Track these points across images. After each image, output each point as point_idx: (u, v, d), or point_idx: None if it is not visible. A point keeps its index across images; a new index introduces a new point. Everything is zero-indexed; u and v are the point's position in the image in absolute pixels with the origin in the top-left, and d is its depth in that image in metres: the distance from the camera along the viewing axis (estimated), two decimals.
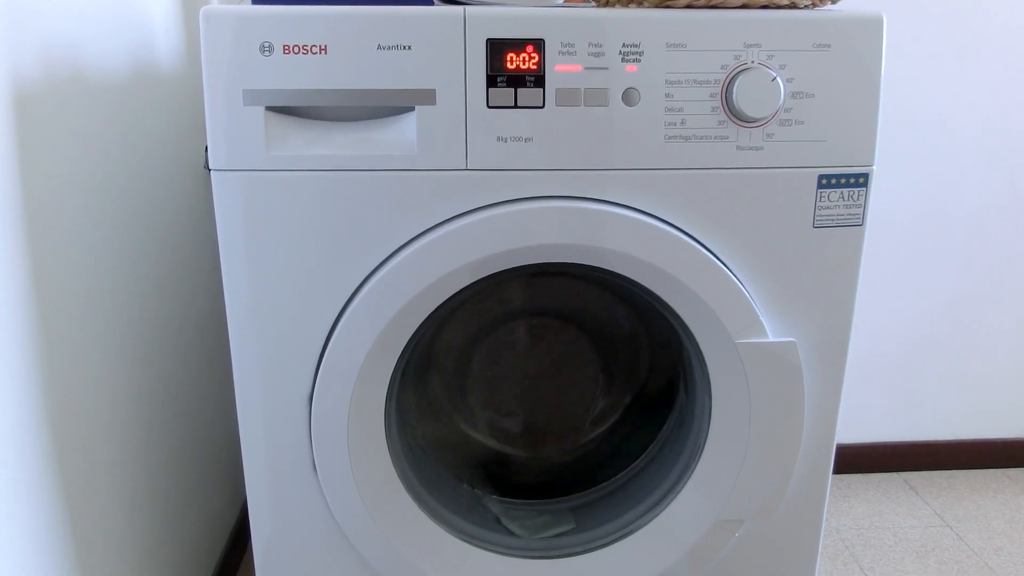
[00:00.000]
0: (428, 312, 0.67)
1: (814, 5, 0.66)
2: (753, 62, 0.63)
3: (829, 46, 0.64)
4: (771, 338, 0.69)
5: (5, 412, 0.56)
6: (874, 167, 0.67)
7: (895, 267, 1.30)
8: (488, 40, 0.61)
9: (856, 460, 1.38)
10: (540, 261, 0.66)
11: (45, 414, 0.61)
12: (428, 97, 0.62)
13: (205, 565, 0.99)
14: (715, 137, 0.65)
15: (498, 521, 0.83)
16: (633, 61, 0.63)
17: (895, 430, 1.39)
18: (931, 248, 1.30)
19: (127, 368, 0.76)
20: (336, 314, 0.66)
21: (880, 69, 0.65)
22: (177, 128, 0.92)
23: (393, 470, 0.72)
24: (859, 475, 1.38)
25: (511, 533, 0.81)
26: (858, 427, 1.38)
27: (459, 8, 0.61)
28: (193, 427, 0.96)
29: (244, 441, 0.69)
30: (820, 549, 0.79)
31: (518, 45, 0.62)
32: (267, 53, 0.60)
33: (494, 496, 0.87)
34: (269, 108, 0.62)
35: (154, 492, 0.82)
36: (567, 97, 0.63)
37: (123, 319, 0.75)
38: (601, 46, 0.62)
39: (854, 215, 0.68)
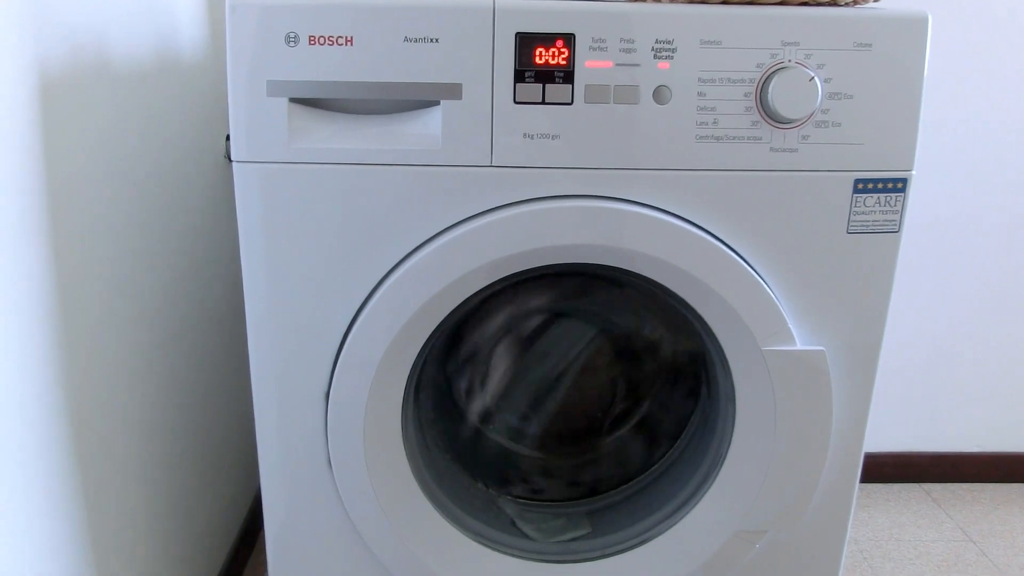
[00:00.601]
0: (448, 310, 0.66)
1: (855, 3, 0.64)
2: (790, 61, 0.61)
3: (870, 46, 0.61)
4: (799, 346, 0.67)
5: (24, 401, 0.56)
6: (913, 172, 0.65)
7: (921, 273, 1.27)
8: (517, 34, 0.60)
9: (877, 470, 1.36)
10: (564, 261, 0.65)
11: (63, 403, 0.61)
12: (454, 91, 0.61)
13: (216, 555, 0.99)
14: (748, 138, 0.63)
15: (512, 523, 0.82)
16: (665, 58, 0.61)
17: (917, 440, 1.36)
18: (959, 255, 1.27)
19: (144, 358, 0.76)
20: (355, 309, 0.65)
21: (923, 70, 0.62)
22: (199, 118, 0.92)
23: (408, 468, 0.71)
24: (879, 485, 1.36)
25: (525, 536, 0.80)
26: (879, 436, 1.36)
27: (488, 0, 0.60)
28: (208, 418, 0.96)
29: (260, 434, 0.69)
30: (843, 563, 0.77)
31: (548, 39, 0.60)
32: (292, 44, 0.59)
33: (509, 497, 0.86)
34: (293, 100, 0.61)
35: (168, 481, 0.82)
36: (596, 94, 0.61)
37: (141, 309, 0.75)
38: (633, 42, 0.60)
39: (891, 221, 0.66)
